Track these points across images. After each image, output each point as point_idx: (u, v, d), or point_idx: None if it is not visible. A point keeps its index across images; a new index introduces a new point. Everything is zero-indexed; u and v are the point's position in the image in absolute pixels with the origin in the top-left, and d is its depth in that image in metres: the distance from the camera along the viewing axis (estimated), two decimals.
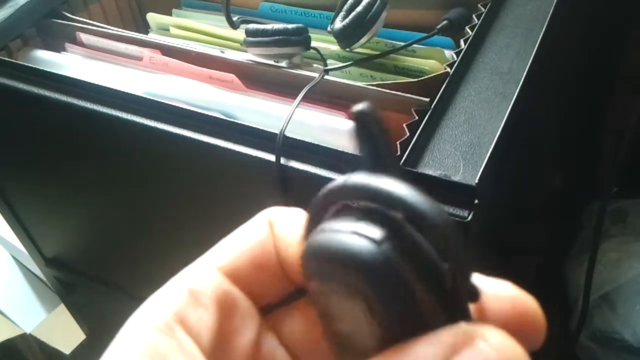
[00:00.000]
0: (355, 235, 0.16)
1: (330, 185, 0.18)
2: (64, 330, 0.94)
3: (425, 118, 0.46)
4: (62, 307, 0.93)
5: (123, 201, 0.62)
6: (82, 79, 0.54)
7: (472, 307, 0.17)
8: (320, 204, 0.18)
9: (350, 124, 0.49)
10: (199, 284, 0.21)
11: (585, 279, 0.73)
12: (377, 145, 0.17)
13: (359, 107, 0.17)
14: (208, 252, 0.22)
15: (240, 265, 0.21)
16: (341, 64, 0.55)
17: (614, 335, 0.77)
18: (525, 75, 0.49)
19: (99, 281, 0.77)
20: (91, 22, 0.64)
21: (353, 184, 0.17)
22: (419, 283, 0.16)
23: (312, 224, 0.18)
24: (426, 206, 0.16)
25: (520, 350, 0.16)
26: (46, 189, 0.68)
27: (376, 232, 0.16)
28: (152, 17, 0.68)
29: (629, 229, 0.84)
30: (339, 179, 0.17)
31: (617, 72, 0.91)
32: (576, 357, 0.82)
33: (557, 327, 0.89)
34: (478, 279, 0.17)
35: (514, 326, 0.17)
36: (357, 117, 0.17)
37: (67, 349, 0.95)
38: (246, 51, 0.57)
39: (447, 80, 0.49)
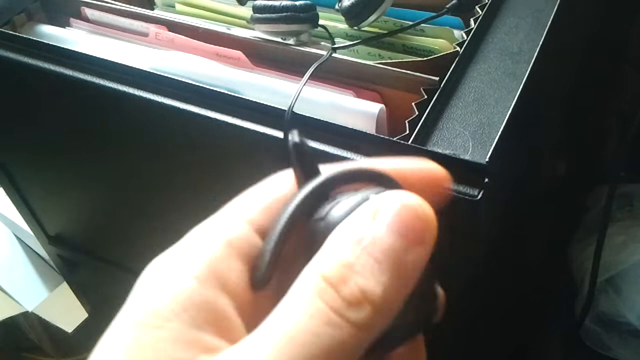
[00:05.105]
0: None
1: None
2: (66, 309, 0.94)
3: (435, 97, 0.46)
4: (64, 286, 0.93)
5: (127, 178, 0.62)
6: (87, 53, 0.53)
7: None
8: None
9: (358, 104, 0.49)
10: (235, 236, 0.21)
11: (592, 261, 0.73)
12: (311, 162, 0.22)
13: (295, 137, 0.21)
14: (234, 203, 0.22)
15: (265, 220, 0.21)
16: (349, 43, 0.54)
17: (619, 318, 0.77)
18: (536, 56, 0.49)
19: (102, 260, 0.77)
20: None
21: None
22: None
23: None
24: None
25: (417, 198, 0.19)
26: (50, 165, 0.68)
27: None
28: None
29: (635, 213, 0.84)
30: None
31: (625, 56, 0.90)
32: (581, 340, 0.82)
33: (562, 310, 0.89)
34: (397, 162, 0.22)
35: (423, 186, 0.21)
36: (295, 146, 0.21)
37: (69, 327, 0.95)
38: (253, 29, 0.56)
39: (456, 60, 0.49)
